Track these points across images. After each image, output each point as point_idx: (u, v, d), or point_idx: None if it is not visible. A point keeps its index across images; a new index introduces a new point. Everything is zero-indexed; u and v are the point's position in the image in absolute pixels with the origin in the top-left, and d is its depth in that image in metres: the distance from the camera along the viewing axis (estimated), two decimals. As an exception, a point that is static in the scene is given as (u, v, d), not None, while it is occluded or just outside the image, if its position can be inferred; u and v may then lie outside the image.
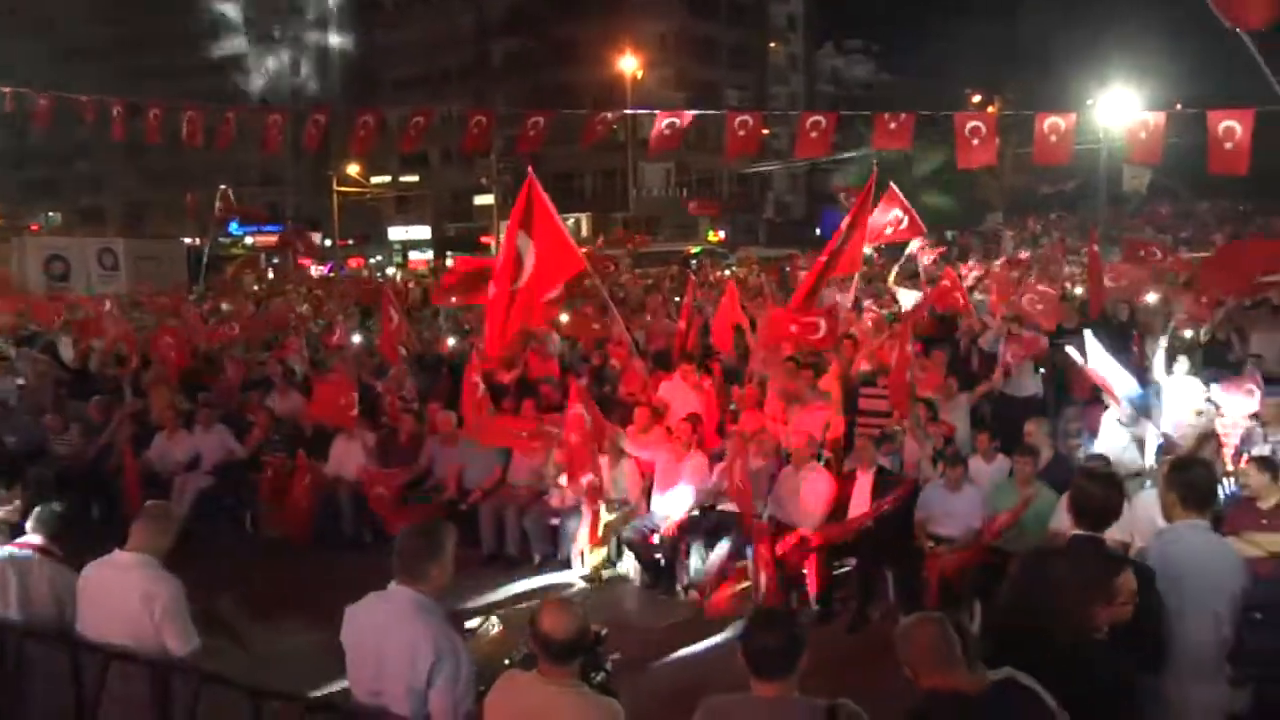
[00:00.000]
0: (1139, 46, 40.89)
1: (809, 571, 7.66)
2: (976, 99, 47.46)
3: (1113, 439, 8.10)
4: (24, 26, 57.92)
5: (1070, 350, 8.71)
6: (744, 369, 10.60)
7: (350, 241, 54.87)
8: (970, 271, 17.12)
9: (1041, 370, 10.59)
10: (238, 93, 56.92)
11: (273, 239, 43.58)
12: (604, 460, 8.62)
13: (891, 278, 15.25)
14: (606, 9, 51.25)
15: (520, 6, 56.50)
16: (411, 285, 24.31)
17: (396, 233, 62.19)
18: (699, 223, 51.08)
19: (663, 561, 8.30)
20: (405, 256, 58.67)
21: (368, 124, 11.87)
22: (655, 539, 8.27)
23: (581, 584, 8.42)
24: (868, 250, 13.77)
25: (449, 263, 43.99)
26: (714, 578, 7.93)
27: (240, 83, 61.00)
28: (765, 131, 17.64)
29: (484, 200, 50.43)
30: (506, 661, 3.96)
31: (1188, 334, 10.74)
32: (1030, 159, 10.99)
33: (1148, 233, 32.56)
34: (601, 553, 8.48)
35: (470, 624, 4.51)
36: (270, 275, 32.90)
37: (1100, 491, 4.02)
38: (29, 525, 5.03)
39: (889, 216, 12.39)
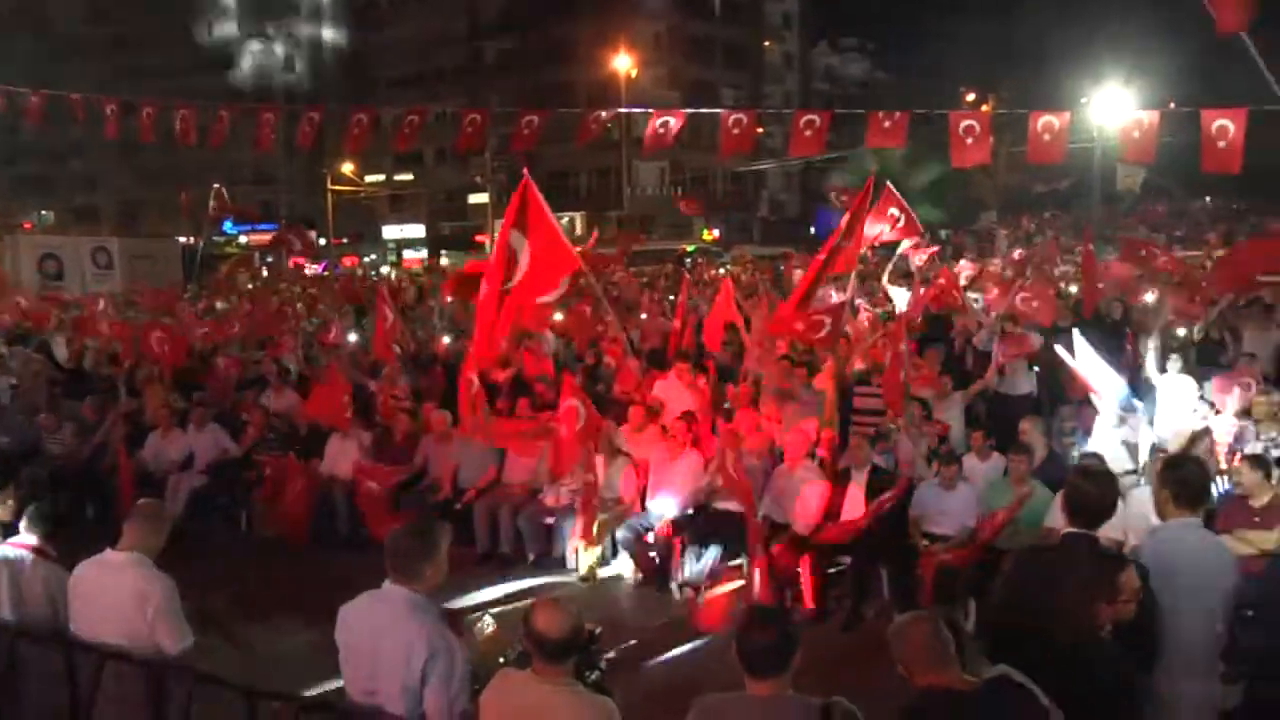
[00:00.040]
0: (1133, 45, 40.95)
1: (803, 570, 7.66)
2: (971, 97, 47.56)
3: (1107, 437, 8.12)
4: (20, 25, 57.72)
5: (1058, 349, 8.73)
6: (738, 368, 10.61)
7: (345, 240, 54.81)
8: (963, 271, 17.12)
9: (1036, 369, 10.61)
10: (232, 91, 56.74)
11: (267, 237, 43.48)
12: (599, 459, 8.63)
13: (885, 277, 15.25)
14: (601, 7, 51.22)
15: (514, 5, 56.44)
16: (405, 284, 24.30)
17: (391, 231, 62.21)
18: (693, 221, 51.06)
19: (657, 560, 8.31)
20: (400, 255, 58.69)
21: (362, 122, 11.84)
22: (650, 538, 8.28)
23: (576, 583, 8.42)
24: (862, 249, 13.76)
25: (444, 261, 44.06)
26: (708, 579, 7.95)
27: (234, 79, 60.85)
28: (760, 130, 17.63)
29: (478, 199, 50.44)
30: (501, 660, 3.95)
31: (1181, 332, 10.77)
32: (1024, 157, 11.00)
33: (1141, 231, 32.65)
34: (596, 552, 8.47)
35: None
36: (264, 274, 32.81)
37: (1095, 489, 4.03)
38: (23, 525, 5.01)
39: (887, 216, 12.39)
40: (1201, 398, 8.91)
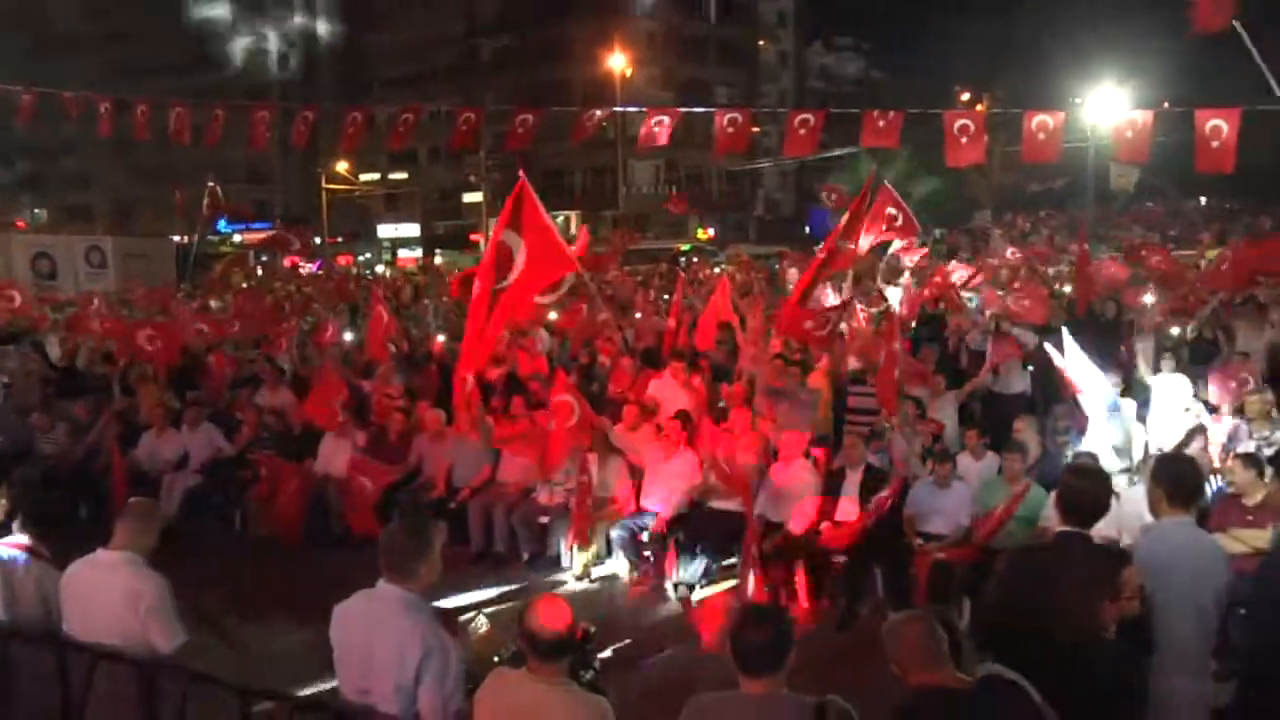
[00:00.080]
0: (1127, 45, 41.08)
1: (798, 569, 7.67)
2: (965, 97, 47.59)
3: (1101, 436, 8.14)
4: (17, 24, 57.52)
5: (1048, 348, 8.75)
6: (733, 367, 10.61)
7: (339, 239, 54.73)
8: (955, 271, 17.14)
9: (1031, 368, 10.63)
10: (226, 88, 56.61)
11: (261, 236, 43.37)
12: (593, 458, 8.62)
13: (879, 276, 15.27)
14: (596, 6, 51.23)
15: (510, 4, 56.40)
16: (400, 283, 24.23)
17: (385, 230, 62.10)
18: (689, 220, 51.05)
19: (652, 560, 8.31)
20: (394, 254, 58.59)
21: (356, 121, 11.83)
22: (644, 537, 8.28)
23: (570, 582, 8.42)
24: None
25: (438, 260, 43.97)
26: (702, 578, 7.95)
27: (228, 77, 60.66)
28: (755, 129, 17.63)
29: (473, 198, 50.33)
30: (495, 659, 3.95)
31: (1174, 332, 10.79)
32: (1018, 157, 11.00)
33: (1135, 231, 32.73)
34: (591, 551, 8.48)
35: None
36: (259, 273, 32.72)
37: (1089, 488, 4.04)
38: (15, 525, 4.99)
39: (884, 215, 12.41)
40: (1195, 396, 8.93)
